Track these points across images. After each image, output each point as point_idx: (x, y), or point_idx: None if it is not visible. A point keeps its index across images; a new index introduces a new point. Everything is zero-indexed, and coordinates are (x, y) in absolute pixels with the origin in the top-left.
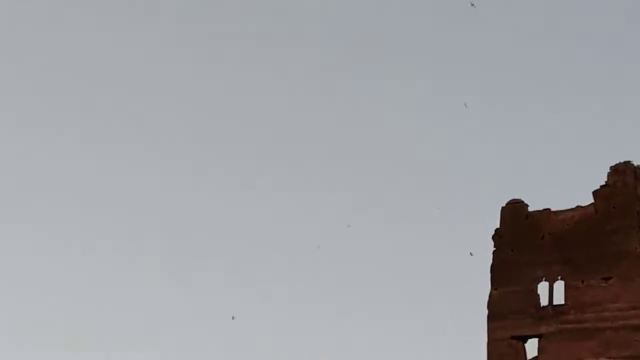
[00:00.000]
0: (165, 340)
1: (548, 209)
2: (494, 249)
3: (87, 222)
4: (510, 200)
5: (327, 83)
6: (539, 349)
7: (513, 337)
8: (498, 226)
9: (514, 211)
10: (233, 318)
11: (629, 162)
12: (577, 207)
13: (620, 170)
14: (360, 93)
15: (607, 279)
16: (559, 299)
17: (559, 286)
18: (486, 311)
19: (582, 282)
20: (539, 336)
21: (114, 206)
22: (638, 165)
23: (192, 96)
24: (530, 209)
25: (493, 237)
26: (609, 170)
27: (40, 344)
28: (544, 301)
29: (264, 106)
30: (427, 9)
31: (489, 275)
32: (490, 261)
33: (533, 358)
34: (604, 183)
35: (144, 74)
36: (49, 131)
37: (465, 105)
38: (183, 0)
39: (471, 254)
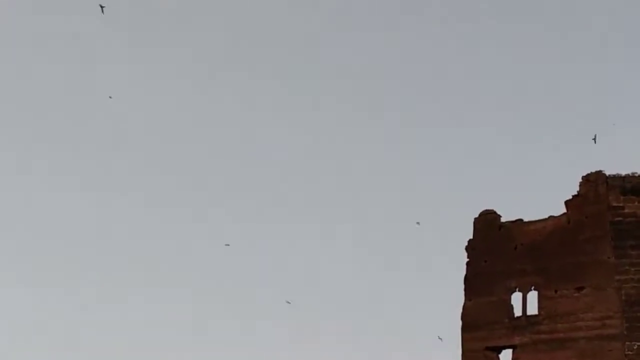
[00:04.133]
0: None
1: (521, 220)
2: (467, 259)
3: None
4: (483, 211)
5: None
6: None
7: (487, 348)
8: (471, 237)
9: (486, 222)
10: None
11: (600, 171)
12: (550, 217)
13: (592, 180)
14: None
15: (580, 288)
16: (533, 309)
17: (533, 296)
18: (460, 322)
19: (556, 292)
20: (513, 347)
21: None
22: (610, 175)
23: None
24: (503, 219)
25: (466, 248)
26: (580, 180)
27: None
28: (517, 311)
29: None
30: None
31: (462, 286)
32: (464, 272)
33: None
34: (576, 193)
35: None
36: None
37: (418, 223)
38: None
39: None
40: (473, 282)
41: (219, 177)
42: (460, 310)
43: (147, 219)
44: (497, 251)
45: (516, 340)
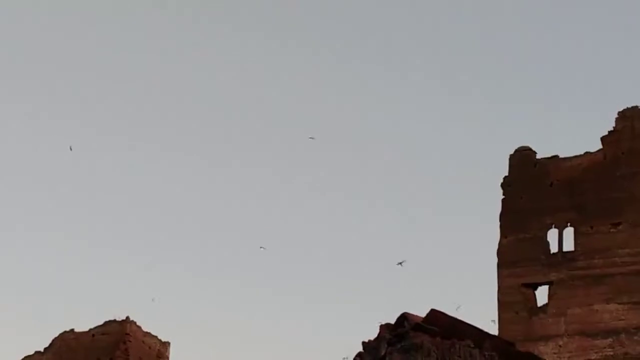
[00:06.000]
0: None
1: (556, 156)
2: (503, 197)
3: None
4: (518, 148)
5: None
6: (550, 296)
7: (523, 285)
8: (507, 174)
9: (522, 158)
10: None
11: (636, 107)
12: (586, 153)
13: (628, 116)
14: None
15: (616, 224)
16: (569, 245)
17: (569, 233)
18: (496, 259)
19: (592, 228)
20: (549, 283)
21: None
22: None
23: None
24: (538, 156)
25: (502, 185)
26: (616, 116)
27: None
28: (553, 248)
29: None
30: None
31: (498, 223)
32: (500, 209)
33: (544, 305)
34: (611, 129)
35: None
36: None
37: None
38: None
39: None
40: (509, 219)
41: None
42: (497, 247)
43: None
44: (533, 188)
45: (552, 276)
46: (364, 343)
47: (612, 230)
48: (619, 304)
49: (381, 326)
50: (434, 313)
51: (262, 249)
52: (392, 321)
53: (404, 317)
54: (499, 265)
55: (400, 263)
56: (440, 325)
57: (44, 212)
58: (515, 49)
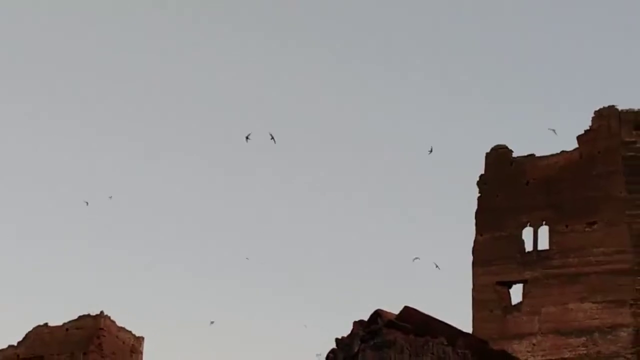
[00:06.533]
0: None
1: (533, 155)
2: (479, 194)
3: None
4: (494, 146)
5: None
6: (524, 294)
7: (498, 283)
8: (483, 172)
9: (498, 157)
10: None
11: (612, 106)
12: (562, 152)
13: (604, 115)
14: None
15: (591, 223)
16: (544, 244)
17: (544, 231)
18: (471, 257)
19: (567, 227)
20: (524, 281)
21: None
22: (622, 110)
23: None
24: (515, 154)
25: (478, 183)
26: (593, 115)
27: None
28: (528, 247)
29: None
30: None
31: (473, 221)
32: (475, 207)
33: (518, 303)
34: (588, 128)
35: None
36: None
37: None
38: None
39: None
40: (484, 217)
41: None
42: (472, 244)
43: None
44: (509, 186)
45: (527, 275)
46: (337, 340)
47: (587, 229)
48: (593, 303)
49: (355, 323)
50: (407, 310)
51: (247, 259)
52: (366, 318)
53: (377, 314)
54: (474, 263)
55: (416, 259)
56: (413, 322)
57: (16, 206)
58: (494, 50)
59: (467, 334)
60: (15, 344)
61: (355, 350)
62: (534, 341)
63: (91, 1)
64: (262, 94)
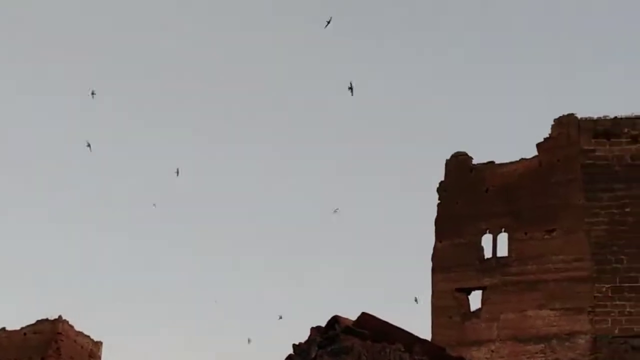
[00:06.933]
0: None
1: (492, 162)
2: (439, 201)
3: None
4: (454, 153)
5: None
6: (483, 301)
7: (457, 289)
8: (443, 179)
9: (458, 164)
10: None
11: (572, 114)
12: (522, 159)
13: (564, 123)
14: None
15: (550, 231)
16: (503, 251)
17: (503, 238)
18: (430, 264)
19: (526, 234)
20: (483, 288)
21: None
22: (581, 118)
23: None
24: (475, 161)
25: (438, 190)
26: (552, 123)
27: None
28: (487, 253)
29: None
30: None
31: (433, 227)
32: (435, 214)
33: (477, 310)
34: (547, 135)
35: None
36: None
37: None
38: None
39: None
40: (444, 224)
41: None
42: (431, 251)
43: None
44: (468, 193)
45: (486, 281)
46: (294, 345)
47: (546, 236)
48: (551, 310)
49: (312, 329)
50: (364, 316)
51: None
52: (323, 324)
53: (334, 320)
54: (433, 270)
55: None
56: (370, 328)
57: None
58: (453, 56)
59: (425, 340)
60: None
61: (313, 356)
62: (493, 348)
63: None
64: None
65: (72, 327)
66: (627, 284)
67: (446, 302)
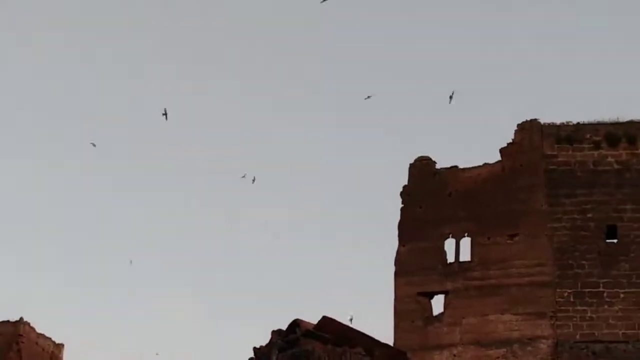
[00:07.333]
0: None
1: (456, 166)
2: (402, 205)
3: None
4: (418, 158)
5: None
6: (445, 305)
7: (420, 294)
8: (406, 183)
9: (422, 168)
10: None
11: (535, 120)
12: (485, 164)
13: (527, 128)
14: None
15: (513, 236)
16: (466, 255)
17: (466, 243)
18: (394, 267)
19: (489, 239)
20: (445, 292)
21: None
22: (544, 123)
23: None
24: (438, 166)
25: (401, 194)
26: (515, 128)
27: None
28: (450, 258)
29: None
30: None
31: (396, 231)
32: (398, 218)
33: (439, 314)
34: (510, 141)
35: None
36: None
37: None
38: None
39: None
40: (407, 228)
41: None
42: (394, 255)
43: None
44: (432, 197)
45: (448, 286)
46: (255, 349)
47: (508, 241)
48: (513, 314)
49: (273, 332)
50: (325, 320)
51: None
52: (284, 327)
53: (295, 324)
54: (395, 274)
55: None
56: (331, 332)
57: None
58: (421, 62)
59: (386, 344)
60: None
61: (273, 359)
62: (455, 352)
63: None
64: None
65: (33, 328)
66: (588, 289)
67: (409, 306)
